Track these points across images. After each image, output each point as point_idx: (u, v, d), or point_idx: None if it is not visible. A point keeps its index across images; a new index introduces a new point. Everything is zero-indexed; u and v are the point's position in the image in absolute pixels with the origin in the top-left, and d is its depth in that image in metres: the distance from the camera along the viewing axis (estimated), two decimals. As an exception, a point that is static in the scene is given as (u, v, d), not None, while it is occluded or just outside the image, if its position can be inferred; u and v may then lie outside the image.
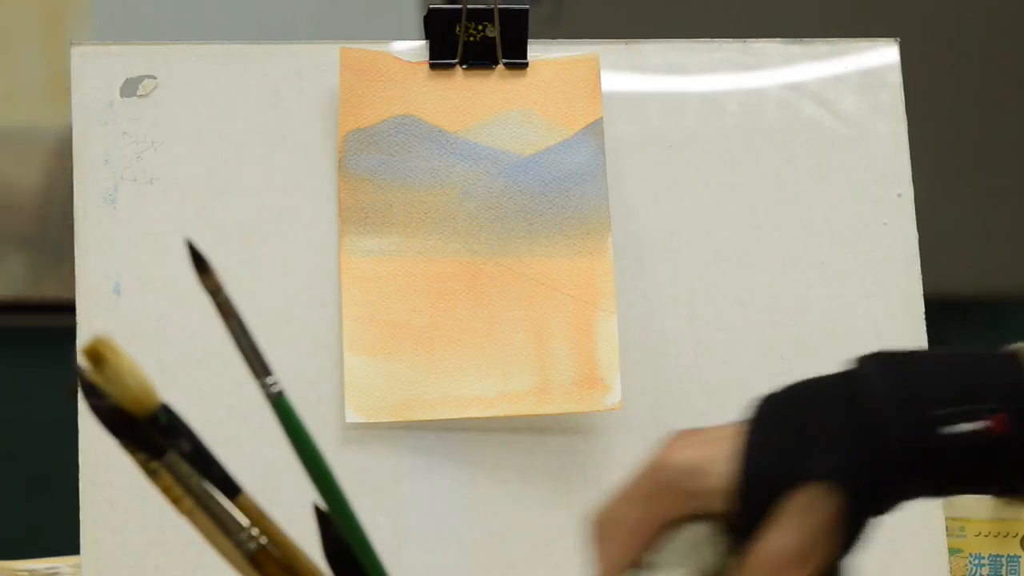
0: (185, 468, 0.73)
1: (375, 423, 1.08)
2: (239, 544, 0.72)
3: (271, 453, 1.07)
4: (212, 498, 0.73)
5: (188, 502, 0.72)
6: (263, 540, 0.73)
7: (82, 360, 0.72)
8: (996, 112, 4.30)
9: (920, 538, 1.12)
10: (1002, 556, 1.16)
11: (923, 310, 1.15)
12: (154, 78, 1.11)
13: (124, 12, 3.11)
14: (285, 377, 1.08)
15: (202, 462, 0.74)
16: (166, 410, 0.74)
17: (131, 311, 1.08)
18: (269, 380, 0.75)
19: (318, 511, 0.75)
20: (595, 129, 1.13)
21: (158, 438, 0.73)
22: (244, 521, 0.73)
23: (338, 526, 0.75)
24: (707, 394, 1.12)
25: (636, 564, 0.75)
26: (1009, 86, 4.39)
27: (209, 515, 0.73)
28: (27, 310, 3.38)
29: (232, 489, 0.75)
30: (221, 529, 0.73)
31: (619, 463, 1.10)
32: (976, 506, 1.16)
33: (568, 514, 1.09)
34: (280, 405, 0.75)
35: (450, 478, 1.09)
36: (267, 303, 1.09)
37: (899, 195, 1.17)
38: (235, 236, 1.11)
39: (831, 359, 1.15)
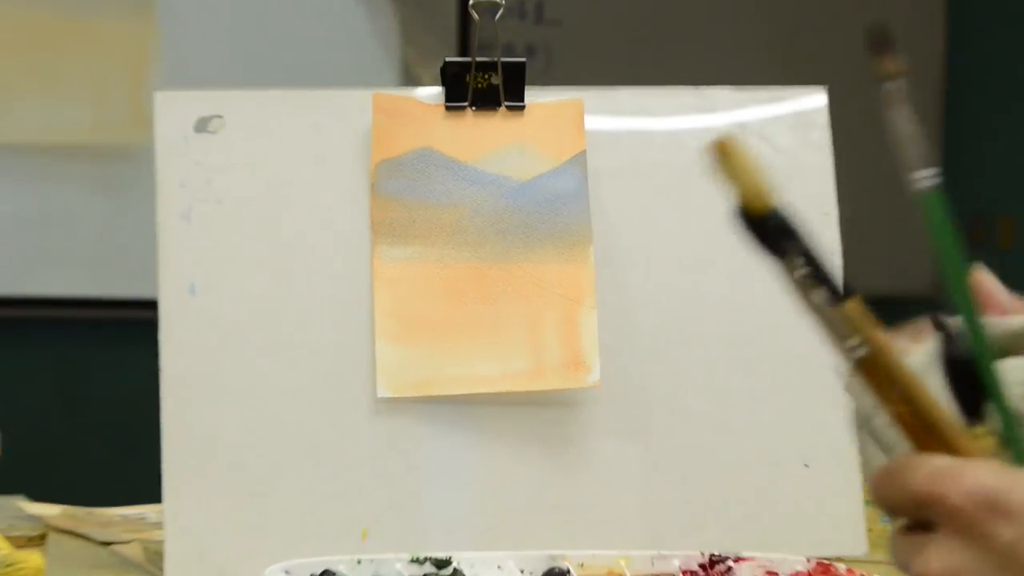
0: (800, 271, 0.67)
1: (401, 397, 1.09)
2: (846, 352, 0.67)
3: (331, 430, 1.09)
4: (823, 306, 0.67)
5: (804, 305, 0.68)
6: (867, 350, 0.66)
7: (711, 153, 0.67)
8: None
9: (843, 493, 1.14)
10: None
11: (845, 306, 1.17)
12: (221, 117, 1.12)
13: (187, 58, 3.12)
14: (330, 360, 1.10)
15: (814, 267, 0.67)
16: (778, 212, 0.66)
17: (203, 307, 1.09)
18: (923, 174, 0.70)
19: (936, 321, 0.69)
20: (579, 160, 1.14)
21: (775, 237, 0.67)
22: (853, 329, 0.67)
23: (963, 334, 0.68)
24: (671, 374, 1.14)
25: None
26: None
27: (822, 319, 0.68)
28: (125, 306, 3.41)
29: (841, 295, 0.67)
30: (832, 333, 0.67)
31: (598, 430, 1.12)
32: (886, 464, 1.17)
33: (557, 471, 1.11)
34: (929, 198, 0.69)
35: (461, 442, 1.10)
36: (314, 300, 1.11)
37: (825, 214, 1.17)
38: (288, 246, 1.12)
39: (768, 346, 1.17)
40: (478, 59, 1.15)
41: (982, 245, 4.74)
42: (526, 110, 1.15)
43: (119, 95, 2.94)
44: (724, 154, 0.65)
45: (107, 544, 1.15)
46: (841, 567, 0.99)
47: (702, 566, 1.01)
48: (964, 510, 0.62)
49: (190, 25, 3.02)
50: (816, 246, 0.67)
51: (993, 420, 0.66)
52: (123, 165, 2.94)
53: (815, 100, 1.20)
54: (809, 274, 0.67)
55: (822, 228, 1.17)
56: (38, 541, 1.13)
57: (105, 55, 2.90)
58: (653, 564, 1.01)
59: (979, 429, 0.66)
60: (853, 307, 0.66)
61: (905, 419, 0.65)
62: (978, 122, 4.67)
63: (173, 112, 1.13)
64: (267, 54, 3.19)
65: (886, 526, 1.16)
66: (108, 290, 3.26)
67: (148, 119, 1.13)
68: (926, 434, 0.65)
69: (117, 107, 2.95)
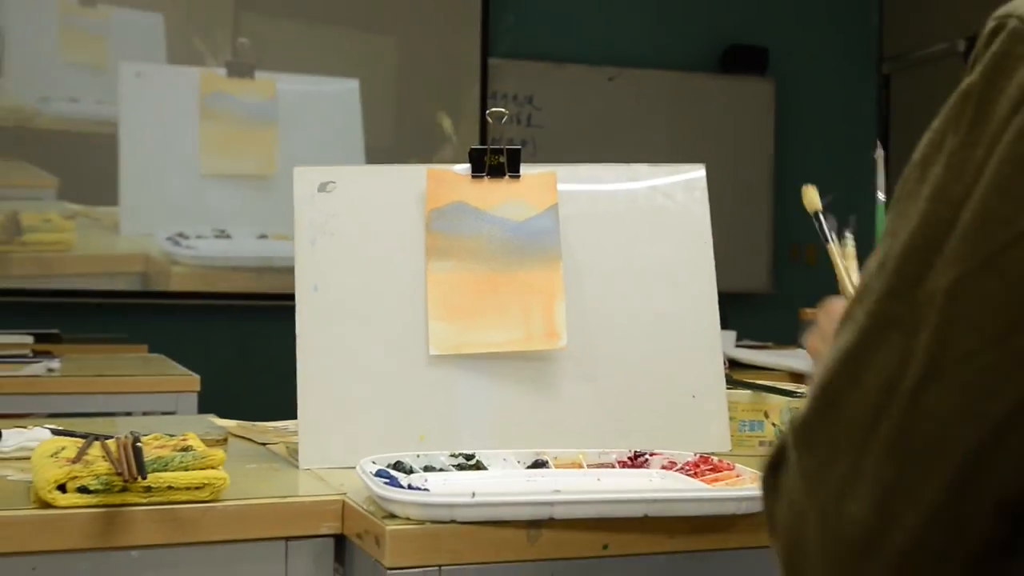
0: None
1: (445, 354, 1.08)
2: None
3: (401, 374, 1.06)
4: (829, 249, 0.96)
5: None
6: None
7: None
8: (743, 204, 4.28)
9: (715, 414, 1.13)
10: (755, 421, 1.16)
11: (716, 299, 1.16)
12: (334, 182, 1.11)
13: (292, 143, 3.78)
14: (401, 331, 1.08)
15: (824, 232, 0.96)
16: (818, 212, 0.99)
17: (323, 300, 1.08)
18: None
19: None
20: (554, 209, 1.13)
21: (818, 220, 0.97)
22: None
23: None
24: (609, 341, 1.12)
25: None
26: (751, 189, 4.38)
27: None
28: (276, 298, 3.62)
29: (829, 243, 0.95)
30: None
31: (566, 376, 1.10)
32: (741, 395, 1.16)
33: (540, 401, 1.09)
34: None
35: (481, 382, 1.09)
36: (391, 294, 1.09)
37: (705, 242, 1.16)
38: (375, 262, 1.10)
39: (671, 324, 1.15)
40: (492, 147, 1.14)
41: (796, 263, 4.74)
42: (521, 178, 1.14)
43: (263, 156, 3.74)
44: (805, 192, 0.98)
45: (264, 444, 1.14)
46: (715, 458, 0.98)
47: (630, 458, 1.00)
48: (817, 314, 0.76)
49: (293, 129, 3.76)
50: (824, 226, 0.94)
51: None
52: (257, 183, 3.71)
53: (698, 172, 1.19)
54: (824, 233, 0.94)
55: (703, 250, 1.16)
56: (222, 443, 1.12)
57: (253, 142, 3.75)
58: (599, 457, 1.00)
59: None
60: (832, 248, 0.94)
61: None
62: (796, 188, 4.66)
63: (305, 179, 1.12)
64: (335, 147, 3.84)
65: (742, 434, 1.15)
66: (268, 288, 3.77)
67: (275, 167, 1.09)
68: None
69: (263, 160, 3.73)
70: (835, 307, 0.75)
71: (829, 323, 0.74)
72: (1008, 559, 0.47)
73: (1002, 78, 0.49)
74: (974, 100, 0.50)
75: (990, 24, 0.51)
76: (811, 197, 0.94)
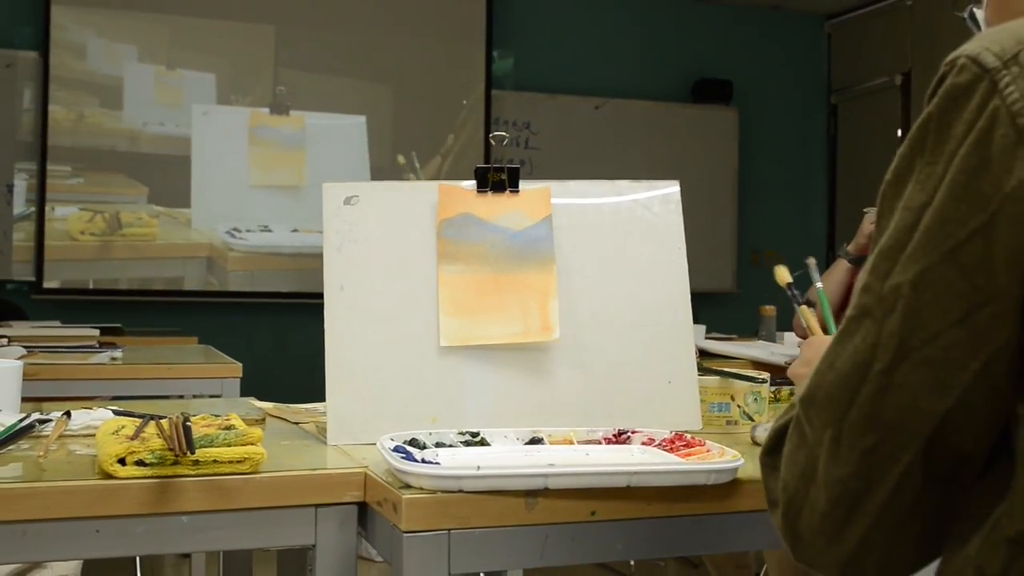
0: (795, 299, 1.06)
1: (454, 346, 1.07)
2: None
3: (416, 363, 1.05)
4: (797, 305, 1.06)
5: None
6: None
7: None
8: (711, 215, 4.26)
9: (688, 397, 1.12)
10: (723, 403, 1.15)
11: (689, 297, 1.15)
12: (358, 196, 1.11)
13: (318, 161, 4.15)
14: (416, 325, 1.07)
15: (796, 296, 1.04)
16: (791, 283, 1.05)
17: (348, 298, 1.07)
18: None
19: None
20: (548, 219, 1.13)
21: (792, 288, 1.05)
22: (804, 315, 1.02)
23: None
24: (596, 333, 1.11)
25: None
26: (718, 203, 4.35)
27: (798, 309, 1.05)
28: (308, 296, 3.82)
29: (800, 303, 1.04)
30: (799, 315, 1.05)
31: (558, 364, 1.09)
32: (710, 381, 1.15)
33: (536, 386, 1.08)
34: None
35: (485, 370, 1.08)
36: (407, 293, 1.08)
37: (679, 248, 1.16)
38: (394, 265, 1.09)
39: (650, 318, 1.14)
40: (494, 165, 1.13)
41: (757, 267, 4.76)
42: (520, 193, 1.13)
43: (295, 172, 4.17)
44: (776, 270, 0.99)
45: (297, 423, 1.14)
46: (688, 435, 0.97)
47: (614, 436, 0.99)
48: (802, 345, 0.84)
49: (317, 152, 4.18)
50: (795, 295, 1.00)
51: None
52: (291, 191, 4.14)
53: (673, 187, 1.18)
54: (795, 298, 0.99)
55: (677, 255, 1.15)
56: (260, 422, 1.11)
57: (288, 162, 4.18)
58: (588, 435, 0.99)
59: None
60: (804, 310, 0.98)
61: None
62: (756, 201, 4.70)
63: (332, 194, 1.11)
64: (351, 167, 4.27)
65: (711, 414, 1.14)
66: (301, 288, 4.09)
67: (304, 179, 1.08)
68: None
69: (295, 175, 4.16)
70: (815, 341, 0.80)
71: (810, 352, 0.79)
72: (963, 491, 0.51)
73: (956, 106, 0.51)
74: (934, 125, 0.52)
75: (943, 68, 0.53)
76: (782, 274, 0.95)
